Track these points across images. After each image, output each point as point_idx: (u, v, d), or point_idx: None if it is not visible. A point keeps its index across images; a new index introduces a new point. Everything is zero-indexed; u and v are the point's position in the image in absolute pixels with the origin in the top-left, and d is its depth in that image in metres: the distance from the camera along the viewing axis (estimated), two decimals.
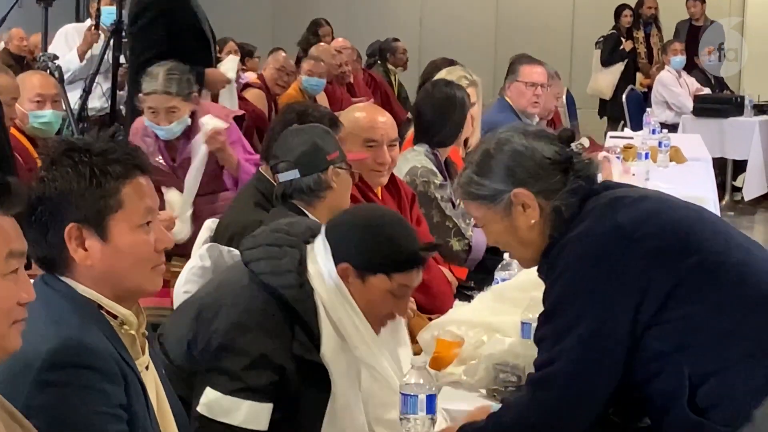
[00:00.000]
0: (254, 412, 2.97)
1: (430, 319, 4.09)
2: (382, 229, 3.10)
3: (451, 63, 6.78)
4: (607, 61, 13.04)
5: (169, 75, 5.65)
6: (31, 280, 2.20)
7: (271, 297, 3.03)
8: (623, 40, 13.17)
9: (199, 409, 2.97)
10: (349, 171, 3.95)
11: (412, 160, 5.12)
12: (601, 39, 13.26)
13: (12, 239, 2.08)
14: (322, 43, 10.98)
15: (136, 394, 2.43)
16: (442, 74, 5.79)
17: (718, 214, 7.20)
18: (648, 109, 10.47)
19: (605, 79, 12.93)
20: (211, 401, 2.96)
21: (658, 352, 2.77)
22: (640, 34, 13.43)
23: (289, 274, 3.05)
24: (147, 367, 2.55)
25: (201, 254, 3.73)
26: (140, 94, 5.74)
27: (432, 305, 4.42)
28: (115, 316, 2.48)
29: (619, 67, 13.04)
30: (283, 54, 9.81)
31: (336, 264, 3.05)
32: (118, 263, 2.47)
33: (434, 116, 5.25)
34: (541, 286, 3.43)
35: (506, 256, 4.01)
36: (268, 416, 3.00)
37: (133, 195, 2.48)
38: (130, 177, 2.49)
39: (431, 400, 2.87)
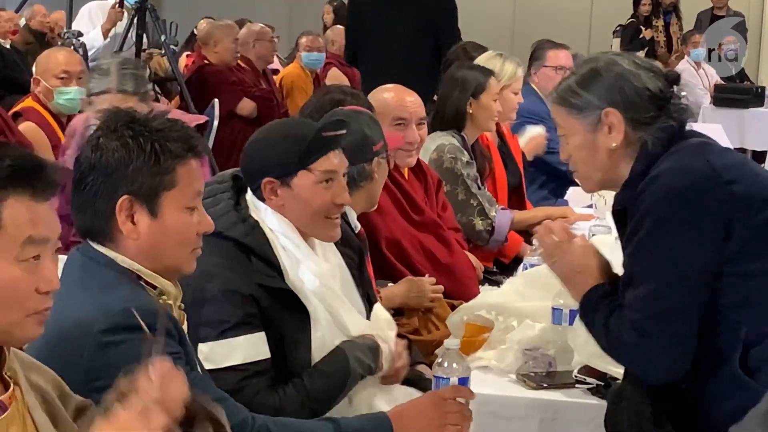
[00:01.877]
0: (251, 344, 3.00)
1: (453, 306, 4.09)
2: (279, 131, 3.20)
3: (476, 47, 6.72)
4: (626, 50, 13.00)
5: (123, 70, 4.79)
6: (63, 256, 2.19)
7: (221, 241, 3.03)
8: (642, 28, 13.13)
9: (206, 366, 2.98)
10: (387, 158, 3.94)
11: (438, 139, 5.15)
12: (619, 28, 13.23)
13: (35, 225, 2.00)
14: (338, 26, 10.96)
15: (189, 353, 2.48)
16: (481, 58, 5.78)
17: None
18: None
19: None
20: (207, 354, 2.96)
21: (719, 306, 2.73)
22: (659, 23, 13.41)
23: (228, 215, 3.10)
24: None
25: None
26: (90, 95, 4.88)
27: (456, 290, 4.42)
28: (153, 287, 2.50)
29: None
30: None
31: (258, 186, 3.12)
32: (162, 240, 2.48)
33: (441, 97, 5.33)
34: None
35: (535, 241, 4.00)
36: (266, 343, 3.02)
37: (186, 176, 2.49)
38: (186, 158, 2.50)
39: (463, 383, 2.87)
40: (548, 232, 2.97)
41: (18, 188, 1.97)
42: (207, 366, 2.92)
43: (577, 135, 2.93)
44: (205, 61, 8.83)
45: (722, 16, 13.30)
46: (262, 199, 3.15)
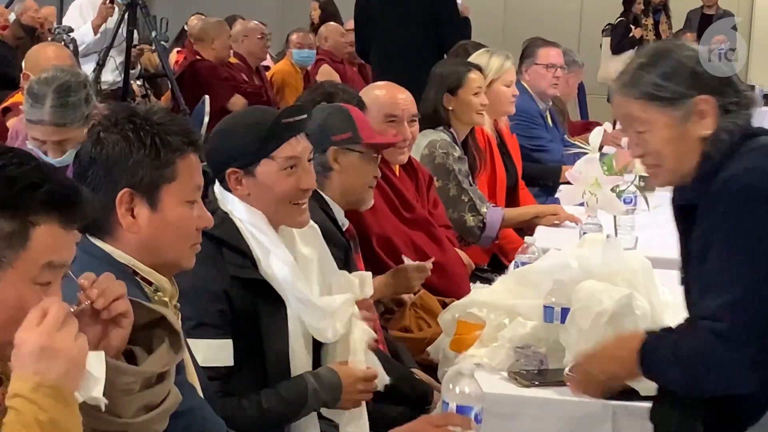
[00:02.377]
0: (214, 349, 2.99)
1: (444, 304, 4.09)
2: (238, 121, 3.20)
3: (478, 45, 6.73)
4: (617, 49, 12.98)
5: (59, 99, 4.23)
6: None
7: None
8: (632, 27, 13.12)
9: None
10: (366, 154, 3.88)
11: (430, 136, 5.17)
12: (609, 26, 13.22)
13: (59, 252, 1.97)
14: (332, 23, 10.96)
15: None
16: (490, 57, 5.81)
17: None
18: None
19: (617, 67, 12.83)
20: (198, 349, 2.93)
21: None
22: (649, 21, 13.39)
23: None
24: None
25: None
26: (25, 119, 4.41)
27: (447, 287, 4.43)
28: (149, 283, 2.49)
29: (630, 54, 12.99)
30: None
31: (223, 178, 3.12)
32: (162, 234, 2.48)
33: (423, 95, 5.35)
34: (564, 271, 3.45)
35: (527, 239, 4.01)
36: (230, 351, 3.01)
37: (186, 170, 2.50)
38: (186, 152, 2.50)
39: (463, 411, 2.72)
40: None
41: (51, 214, 1.94)
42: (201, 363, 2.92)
43: (665, 128, 2.78)
44: (197, 57, 8.83)
45: (711, 15, 13.31)
46: (229, 190, 3.14)
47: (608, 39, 13.04)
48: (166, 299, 2.52)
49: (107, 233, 2.48)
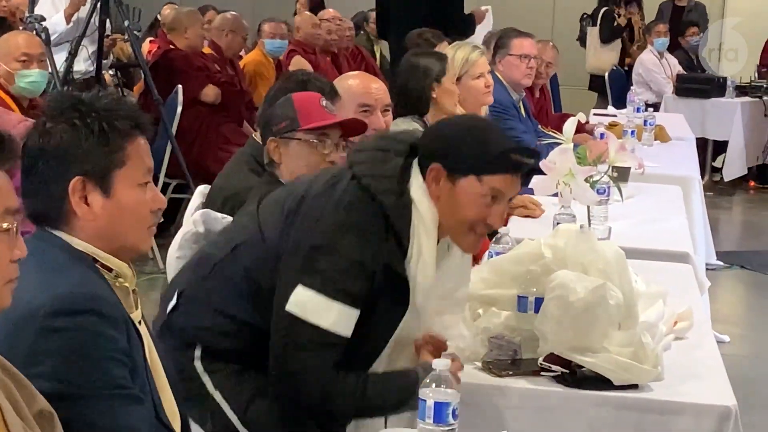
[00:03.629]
0: (345, 317, 2.97)
1: None
2: (477, 129, 3.07)
3: (435, 35, 6.76)
4: (608, 38, 12.94)
5: None
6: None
7: (370, 200, 3.00)
8: (617, 15, 13.10)
9: (288, 308, 2.97)
10: (305, 140, 3.85)
11: (402, 125, 5.15)
12: (586, 16, 13.21)
13: (6, 196, 2.08)
14: (306, 12, 10.93)
15: (135, 344, 2.43)
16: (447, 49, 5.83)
17: (702, 194, 7.25)
18: (632, 88, 10.48)
19: (608, 56, 12.77)
20: (302, 300, 2.95)
21: None
22: (622, 11, 13.40)
23: (388, 180, 3.02)
24: (140, 322, 2.54)
25: (195, 220, 3.73)
26: None
27: None
28: (109, 270, 2.48)
29: (618, 43, 12.98)
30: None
31: (427, 167, 3.02)
32: (117, 219, 2.47)
33: (402, 84, 5.37)
34: (538, 261, 3.44)
35: (501, 229, 4.00)
36: (353, 324, 2.99)
37: (135, 153, 2.49)
38: (134, 135, 2.49)
39: (440, 408, 2.70)
40: None
41: None
42: (294, 311, 2.95)
43: None
44: (171, 47, 8.79)
45: (683, 7, 13.35)
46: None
47: (594, 29, 12.99)
48: (127, 285, 2.51)
49: (63, 223, 2.47)
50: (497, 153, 3.00)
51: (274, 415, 3.18)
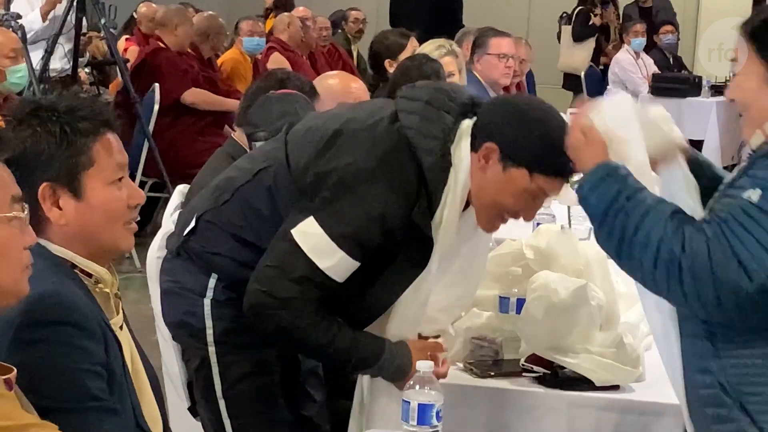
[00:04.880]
0: (344, 265, 2.94)
1: None
2: (545, 126, 2.96)
3: (402, 35, 6.76)
4: (579, 36, 12.96)
5: None
6: None
7: (410, 155, 2.95)
8: (592, 15, 13.13)
9: (294, 233, 2.94)
10: None
11: None
12: (565, 14, 13.24)
13: (10, 185, 2.12)
14: (285, 13, 10.89)
15: (113, 352, 2.41)
16: (424, 47, 5.81)
17: None
18: (608, 87, 10.51)
19: (580, 55, 12.81)
20: (310, 233, 2.92)
21: None
22: (598, 11, 13.44)
23: (434, 140, 2.96)
24: (121, 327, 2.52)
25: (174, 220, 3.70)
26: None
27: None
28: (89, 275, 2.46)
29: (591, 43, 13.01)
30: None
31: (482, 142, 2.96)
32: (92, 220, 2.45)
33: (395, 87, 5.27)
34: (519, 261, 3.45)
35: None
36: (350, 273, 2.96)
37: (103, 151, 2.46)
38: (100, 133, 2.46)
39: (424, 410, 2.70)
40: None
41: None
42: (298, 239, 2.92)
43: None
44: (160, 45, 8.76)
45: (650, 8, 13.39)
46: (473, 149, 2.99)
47: (568, 28, 13.03)
48: (107, 290, 2.49)
49: (38, 230, 2.41)
50: (560, 159, 2.86)
51: (256, 404, 3.19)
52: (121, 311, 2.56)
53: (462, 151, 2.97)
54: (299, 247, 2.92)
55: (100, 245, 2.48)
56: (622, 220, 2.55)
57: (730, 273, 2.43)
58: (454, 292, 3.23)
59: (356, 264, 2.95)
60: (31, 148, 2.41)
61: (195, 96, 8.56)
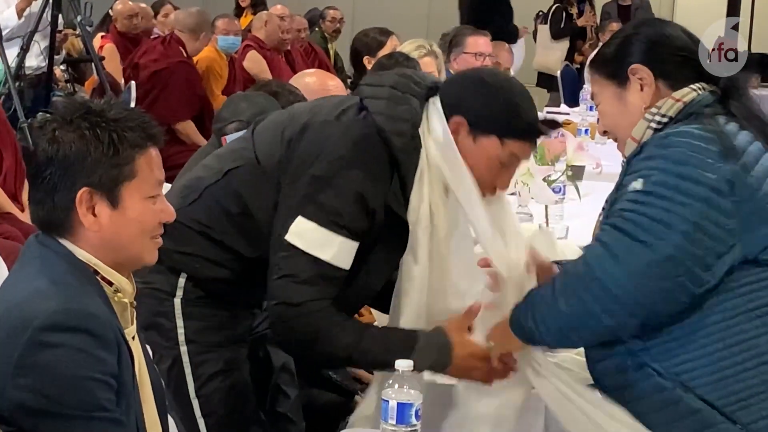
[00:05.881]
0: (345, 249, 2.92)
1: None
2: (508, 92, 3.01)
3: (383, 32, 6.77)
4: (557, 34, 12.97)
5: None
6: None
7: (380, 139, 2.95)
8: (573, 14, 13.14)
9: (288, 237, 2.91)
10: None
11: None
12: (541, 13, 13.26)
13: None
14: (263, 12, 10.87)
15: (125, 364, 2.40)
16: (404, 46, 5.81)
17: None
18: (584, 86, 10.52)
19: (555, 55, 12.81)
20: (303, 231, 2.90)
21: None
22: (574, 11, 13.46)
23: (403, 123, 2.97)
24: (134, 338, 2.52)
25: None
26: None
27: None
28: (110, 284, 2.45)
29: (566, 42, 13.02)
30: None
31: (450, 117, 2.98)
32: (124, 231, 2.44)
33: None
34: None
35: None
36: (353, 256, 2.95)
37: (146, 165, 2.44)
38: (145, 147, 2.45)
39: (403, 408, 2.67)
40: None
41: None
42: (294, 241, 2.90)
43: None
44: (184, 54, 8.75)
45: (628, 6, 13.42)
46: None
47: (544, 27, 13.03)
48: (126, 300, 2.48)
49: (69, 232, 2.43)
50: (527, 121, 2.97)
51: (228, 402, 3.18)
52: (135, 321, 2.55)
53: (433, 131, 2.99)
54: (298, 249, 2.91)
55: (127, 256, 2.48)
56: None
57: (635, 257, 2.57)
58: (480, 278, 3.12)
59: (356, 245, 2.94)
60: (76, 150, 2.39)
61: (186, 129, 8.53)
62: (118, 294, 2.46)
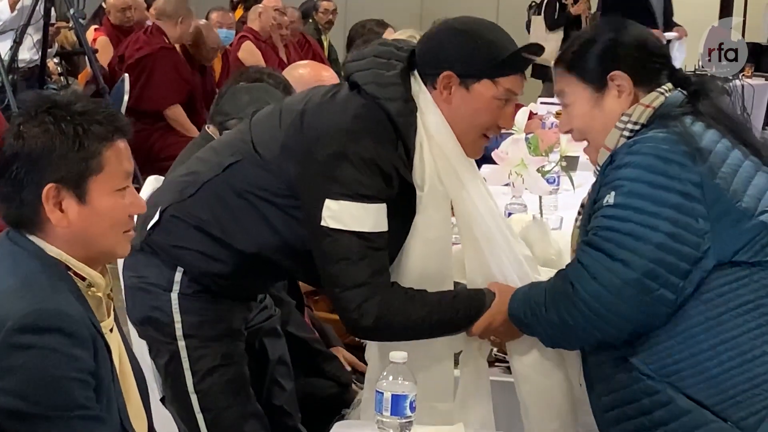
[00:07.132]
0: (380, 214, 2.91)
1: None
2: (482, 33, 3.00)
3: (379, 24, 6.75)
4: (553, 25, 12.93)
5: None
6: None
7: (376, 107, 2.95)
8: (567, 4, 13.10)
9: (324, 223, 2.89)
10: None
11: None
12: (534, 4, 13.22)
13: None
14: (259, 5, 10.83)
15: (102, 358, 2.39)
16: (397, 35, 5.78)
17: None
18: None
19: (549, 46, 12.76)
20: (336, 211, 2.88)
21: None
22: (569, 1, 13.43)
23: (393, 87, 2.97)
24: (111, 330, 2.50)
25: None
26: None
27: None
28: (82, 278, 2.43)
29: (560, 34, 12.98)
30: None
31: (437, 74, 2.97)
32: (93, 226, 2.42)
33: None
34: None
35: (454, 219, 4.00)
36: (386, 217, 2.92)
37: (113, 158, 2.43)
38: (112, 140, 2.43)
39: (397, 400, 2.70)
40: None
41: None
42: (331, 224, 2.87)
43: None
44: (165, 39, 8.69)
45: None
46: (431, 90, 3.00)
47: (538, 18, 12.98)
48: (100, 294, 2.47)
49: (37, 229, 2.42)
50: (511, 54, 2.97)
51: (227, 396, 3.18)
52: (112, 313, 2.54)
53: (425, 96, 2.99)
54: (338, 230, 2.89)
55: (98, 250, 2.46)
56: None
57: (615, 275, 2.64)
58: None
59: (384, 206, 2.91)
60: (41, 145, 2.38)
61: (176, 114, 8.50)
62: (92, 289, 2.44)
